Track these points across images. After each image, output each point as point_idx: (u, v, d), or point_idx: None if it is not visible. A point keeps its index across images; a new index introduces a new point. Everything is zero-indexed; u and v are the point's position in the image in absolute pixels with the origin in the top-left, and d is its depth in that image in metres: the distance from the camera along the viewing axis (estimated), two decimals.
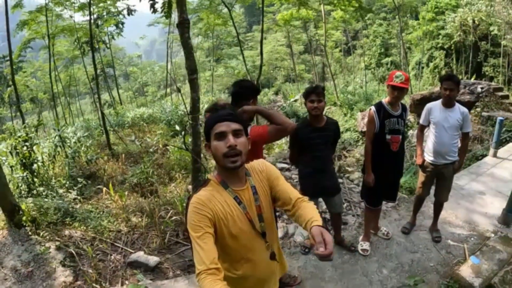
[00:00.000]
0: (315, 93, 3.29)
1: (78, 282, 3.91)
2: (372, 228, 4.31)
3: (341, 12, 10.21)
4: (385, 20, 29.41)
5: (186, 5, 5.10)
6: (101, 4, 13.92)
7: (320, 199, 3.83)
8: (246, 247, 1.67)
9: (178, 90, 5.99)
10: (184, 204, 3.11)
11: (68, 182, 7.23)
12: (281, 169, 7.54)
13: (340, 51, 29.83)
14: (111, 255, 4.64)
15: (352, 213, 5.35)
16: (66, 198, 6.52)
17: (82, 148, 9.33)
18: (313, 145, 3.44)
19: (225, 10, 13.50)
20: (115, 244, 4.92)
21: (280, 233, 4.70)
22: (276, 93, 30.67)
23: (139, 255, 4.51)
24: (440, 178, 4.04)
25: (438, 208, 4.25)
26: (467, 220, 4.68)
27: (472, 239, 4.27)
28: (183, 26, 5.15)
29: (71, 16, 13.84)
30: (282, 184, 1.76)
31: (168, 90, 30.62)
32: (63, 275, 4.04)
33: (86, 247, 4.47)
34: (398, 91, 3.44)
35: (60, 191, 6.76)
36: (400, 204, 5.21)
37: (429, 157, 4.00)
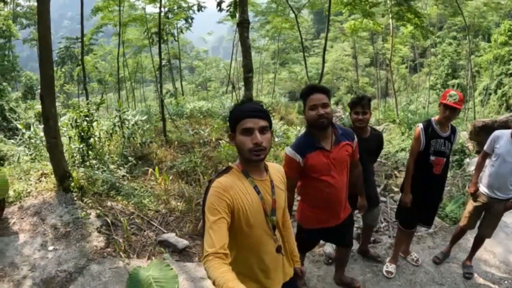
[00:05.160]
0: (360, 105, 3.20)
1: (108, 249, 4.12)
2: (402, 251, 4.06)
3: (410, 27, 9.72)
4: (455, 39, 27.60)
5: (247, 6, 5.22)
6: None
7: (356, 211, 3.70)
8: (257, 237, 1.69)
9: (233, 87, 6.14)
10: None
11: (120, 160, 7.62)
12: None
13: (406, 67, 28.65)
14: (144, 231, 4.85)
15: (389, 234, 5.09)
16: (115, 173, 6.90)
17: (139, 131, 9.83)
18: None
19: (293, 14, 13.53)
20: (151, 222, 5.13)
21: None
22: (337, 103, 30.11)
23: (170, 236, 4.66)
24: (488, 212, 3.71)
25: (478, 243, 3.90)
26: (504, 261, 4.22)
27: (505, 282, 3.85)
28: (243, 25, 5.28)
29: (143, 8, 14.71)
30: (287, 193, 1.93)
31: (230, 87, 31.42)
32: (96, 240, 4.27)
33: (123, 219, 4.70)
34: (450, 111, 3.26)
35: (111, 166, 7.17)
36: (438, 232, 4.85)
37: (483, 188, 3.68)
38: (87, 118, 7.06)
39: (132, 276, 3.54)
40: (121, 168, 7.28)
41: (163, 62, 21.67)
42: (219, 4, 7.00)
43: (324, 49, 10.67)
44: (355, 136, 2.78)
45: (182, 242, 4.54)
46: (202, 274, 3.62)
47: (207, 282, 3.54)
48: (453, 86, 26.04)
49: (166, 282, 3.46)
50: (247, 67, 5.51)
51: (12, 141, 8.93)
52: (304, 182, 2.68)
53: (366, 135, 3.34)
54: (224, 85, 35.76)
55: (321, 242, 4.63)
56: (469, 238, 4.24)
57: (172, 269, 3.66)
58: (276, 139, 10.42)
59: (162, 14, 15.33)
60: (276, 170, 1.86)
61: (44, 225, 4.58)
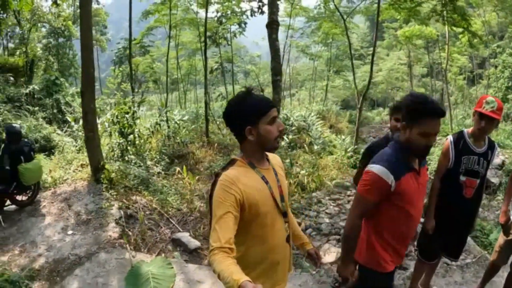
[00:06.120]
0: (401, 112, 2.83)
1: (120, 240, 4.29)
2: (421, 284, 3.45)
3: (468, 35, 8.94)
4: None
5: (277, 7, 5.18)
6: (226, 3, 14.92)
7: None
8: (269, 227, 1.68)
9: (261, 90, 6.07)
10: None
11: (158, 157, 7.93)
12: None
13: (464, 78, 26.61)
14: (161, 227, 4.97)
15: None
16: (151, 169, 7.19)
17: (183, 131, 10.17)
18: None
19: (347, 20, 13.19)
20: (170, 219, 5.25)
21: (332, 258, 4.37)
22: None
23: (183, 235, 4.72)
24: None
25: (510, 282, 3.31)
26: None
27: None
28: (272, 27, 5.24)
29: (196, 12, 15.22)
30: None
31: (285, 93, 31.36)
32: (112, 231, 4.48)
33: (140, 214, 4.86)
34: (486, 121, 2.68)
35: (149, 163, 7.49)
36: (470, 265, 4.26)
37: None
38: (127, 115, 7.45)
39: (133, 268, 3.65)
40: (157, 165, 7.58)
41: (216, 66, 22.32)
42: (260, 8, 7.01)
43: (373, 56, 10.27)
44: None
45: (194, 243, 4.58)
46: (200, 278, 3.62)
47: (203, 286, 3.53)
48: None
49: (163, 279, 3.52)
50: (275, 70, 5.47)
51: (59, 131, 9.66)
52: (381, 212, 2.04)
53: None
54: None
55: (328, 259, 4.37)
56: (505, 275, 3.70)
57: (172, 268, 3.71)
58: (315, 147, 10.19)
59: (215, 18, 15.80)
60: (275, 160, 1.89)
61: (70, 211, 4.90)
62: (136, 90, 18.83)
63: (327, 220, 5.60)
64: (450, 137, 2.94)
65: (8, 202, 4.94)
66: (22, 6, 5.14)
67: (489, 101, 2.68)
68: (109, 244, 4.19)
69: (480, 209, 6.27)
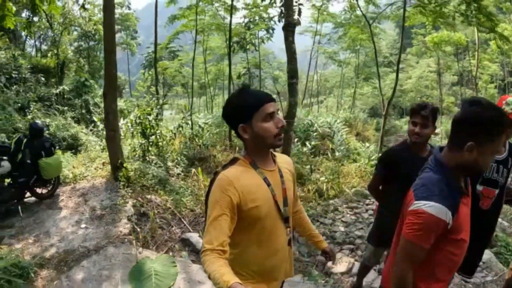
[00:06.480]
0: (420, 115, 2.49)
1: (130, 236, 4.38)
2: None
3: (499, 42, 8.49)
4: None
5: (293, 10, 5.17)
6: (254, 9, 15.07)
7: None
8: (269, 230, 1.61)
9: (277, 93, 6.06)
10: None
11: (179, 159, 8.08)
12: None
13: (496, 87, 25.33)
14: (172, 226, 5.05)
15: None
16: (171, 170, 7.33)
17: (207, 134, 10.31)
18: (410, 177, 2.23)
19: (373, 25, 12.97)
20: (182, 219, 5.32)
21: (343, 268, 4.27)
22: None
23: (193, 236, 4.76)
24: None
25: None
26: None
27: None
28: (287, 29, 5.23)
29: (224, 17, 15.47)
30: (295, 183, 1.82)
31: (313, 100, 31.09)
32: (123, 227, 4.59)
33: (152, 212, 4.95)
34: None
35: (169, 163, 7.63)
36: (489, 284, 4.01)
37: None
38: (148, 117, 7.65)
39: (138, 264, 3.72)
40: (177, 166, 7.71)
41: (243, 71, 22.55)
42: (281, 13, 7.01)
43: (398, 63, 10.02)
44: None
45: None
46: (201, 278, 3.64)
47: (203, 286, 3.54)
48: None
49: (164, 277, 3.56)
50: (292, 73, 5.43)
51: (85, 131, 10.06)
52: (434, 251, 1.62)
53: (424, 154, 2.59)
54: (306, 97, 35.71)
55: (354, 271, 4.19)
56: None
57: (175, 266, 3.75)
58: (337, 154, 10.03)
59: (243, 24, 15.99)
60: (283, 161, 1.77)
61: (85, 205, 5.09)
62: (163, 93, 19.31)
63: (342, 229, 5.47)
64: None
65: (28, 194, 5.19)
66: (52, 10, 5.37)
67: (509, 102, 2.44)
68: (118, 239, 4.30)
69: (507, 223, 5.90)
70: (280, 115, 1.63)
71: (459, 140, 1.47)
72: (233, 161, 1.61)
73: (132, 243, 4.22)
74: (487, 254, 4.15)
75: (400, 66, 29.18)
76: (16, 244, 4.03)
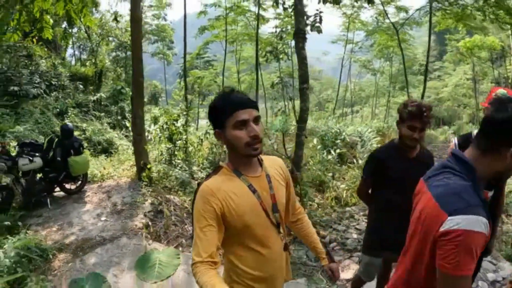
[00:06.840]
0: (420, 119, 2.29)
1: (143, 230, 4.71)
2: None
3: None
4: None
5: (303, 16, 5.32)
6: (286, 19, 15.35)
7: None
8: (261, 237, 1.57)
9: (290, 99, 6.21)
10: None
11: (204, 163, 8.42)
12: None
13: None
14: (185, 224, 5.33)
15: None
16: (195, 174, 7.67)
17: None
18: (399, 180, 2.41)
19: (403, 31, 12.79)
20: None
21: (349, 275, 4.29)
22: (454, 133, 26.72)
23: None
24: None
25: None
26: None
27: None
28: (298, 36, 5.40)
29: (255, 27, 15.92)
30: (292, 188, 1.77)
31: (350, 109, 30.66)
32: (138, 221, 4.95)
33: (166, 209, 5.28)
34: None
35: (194, 168, 8.00)
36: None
37: None
38: (174, 122, 8.07)
39: (145, 254, 4.06)
40: (202, 171, 8.04)
41: (277, 80, 22.82)
42: (313, 25, 7.08)
43: (426, 71, 9.84)
44: None
45: None
46: None
47: None
48: None
49: (167, 266, 3.88)
50: (303, 78, 5.57)
51: (120, 135, 10.70)
52: None
53: (412, 155, 2.50)
54: (344, 107, 35.29)
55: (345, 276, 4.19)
56: None
57: (179, 258, 4.05)
58: (360, 162, 9.90)
59: (275, 33, 16.31)
60: (272, 162, 1.69)
61: (108, 201, 5.53)
62: (199, 102, 19.92)
63: (354, 236, 5.41)
64: (454, 140, 2.64)
65: (57, 188, 5.72)
66: (87, 22, 5.93)
67: (500, 93, 2.30)
68: (132, 232, 4.64)
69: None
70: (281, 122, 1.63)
71: (499, 144, 1.24)
72: (216, 169, 1.57)
73: (144, 236, 4.55)
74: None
75: (437, 74, 28.21)
76: (41, 231, 4.51)
